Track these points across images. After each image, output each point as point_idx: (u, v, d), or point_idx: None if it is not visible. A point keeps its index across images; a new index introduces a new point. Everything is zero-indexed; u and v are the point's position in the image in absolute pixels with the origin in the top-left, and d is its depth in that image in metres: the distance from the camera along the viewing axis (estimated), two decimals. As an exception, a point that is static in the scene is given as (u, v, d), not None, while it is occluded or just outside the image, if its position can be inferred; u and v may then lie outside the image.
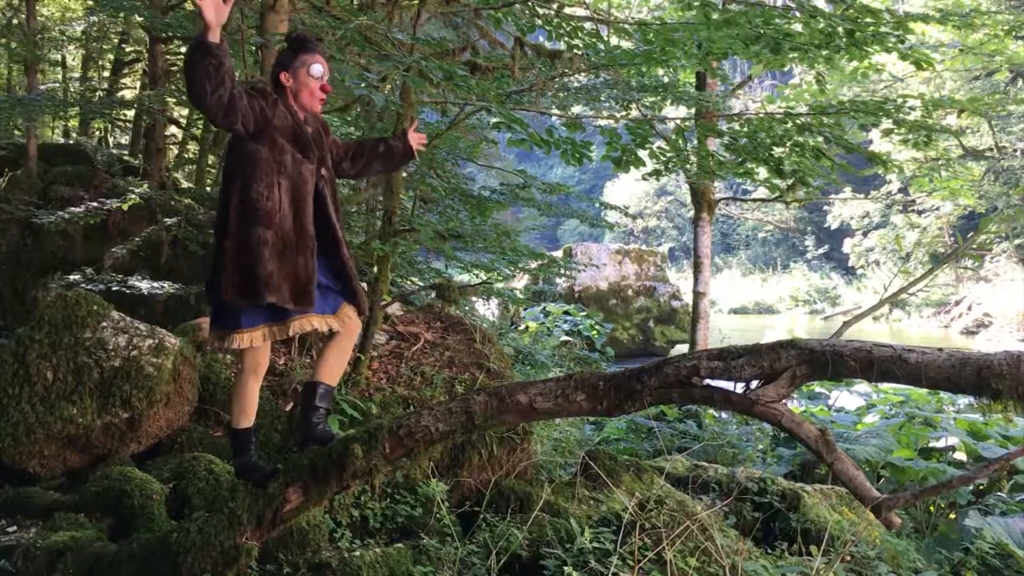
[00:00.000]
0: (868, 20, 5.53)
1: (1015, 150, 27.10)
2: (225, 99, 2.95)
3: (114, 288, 7.14)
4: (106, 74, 14.40)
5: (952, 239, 28.36)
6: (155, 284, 7.44)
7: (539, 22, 6.16)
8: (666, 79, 8.50)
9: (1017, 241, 28.27)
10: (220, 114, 2.98)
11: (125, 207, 8.07)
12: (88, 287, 6.80)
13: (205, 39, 2.84)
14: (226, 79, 2.92)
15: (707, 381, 3.06)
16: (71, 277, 7.37)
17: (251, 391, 3.39)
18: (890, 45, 5.54)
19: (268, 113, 3.16)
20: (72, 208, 7.79)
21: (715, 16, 5.54)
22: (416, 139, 3.83)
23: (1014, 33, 10.45)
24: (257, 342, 3.23)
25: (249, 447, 3.43)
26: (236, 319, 3.20)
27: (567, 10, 7.88)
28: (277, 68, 3.32)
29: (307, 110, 3.33)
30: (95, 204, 7.72)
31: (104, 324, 4.82)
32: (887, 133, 7.35)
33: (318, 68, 3.28)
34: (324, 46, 3.42)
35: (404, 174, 5.81)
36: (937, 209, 28.55)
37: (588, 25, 6.74)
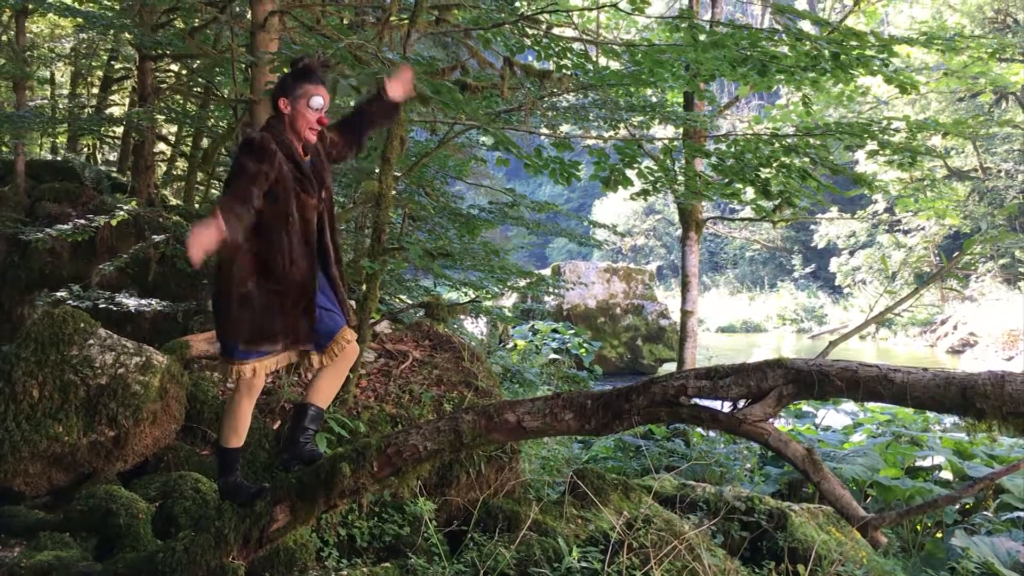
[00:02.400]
0: (853, 43, 5.60)
1: (999, 171, 27.42)
2: (252, 216, 3.03)
3: (101, 305, 7.11)
4: (95, 91, 14.39)
5: (937, 259, 28.56)
6: (142, 301, 7.41)
7: (528, 42, 6.20)
8: (654, 99, 8.57)
9: (1002, 261, 28.52)
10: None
11: (113, 224, 8.03)
12: (75, 304, 6.76)
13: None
14: (244, 215, 2.94)
15: (695, 400, 3.07)
16: (58, 294, 7.33)
17: (244, 411, 3.38)
18: (875, 68, 5.60)
19: (271, 173, 3.10)
20: (60, 225, 7.76)
21: (702, 38, 5.60)
22: (398, 83, 3.52)
23: (997, 56, 10.58)
24: (247, 373, 3.25)
25: (236, 467, 3.41)
26: (232, 350, 3.24)
27: (556, 30, 7.94)
28: (278, 92, 3.24)
29: (302, 138, 3.23)
30: (83, 221, 7.67)
31: (91, 341, 4.81)
32: (872, 154, 7.41)
33: (318, 100, 3.18)
34: (327, 74, 3.36)
35: (393, 192, 5.82)
36: (922, 229, 28.82)
37: (577, 45, 6.78)
